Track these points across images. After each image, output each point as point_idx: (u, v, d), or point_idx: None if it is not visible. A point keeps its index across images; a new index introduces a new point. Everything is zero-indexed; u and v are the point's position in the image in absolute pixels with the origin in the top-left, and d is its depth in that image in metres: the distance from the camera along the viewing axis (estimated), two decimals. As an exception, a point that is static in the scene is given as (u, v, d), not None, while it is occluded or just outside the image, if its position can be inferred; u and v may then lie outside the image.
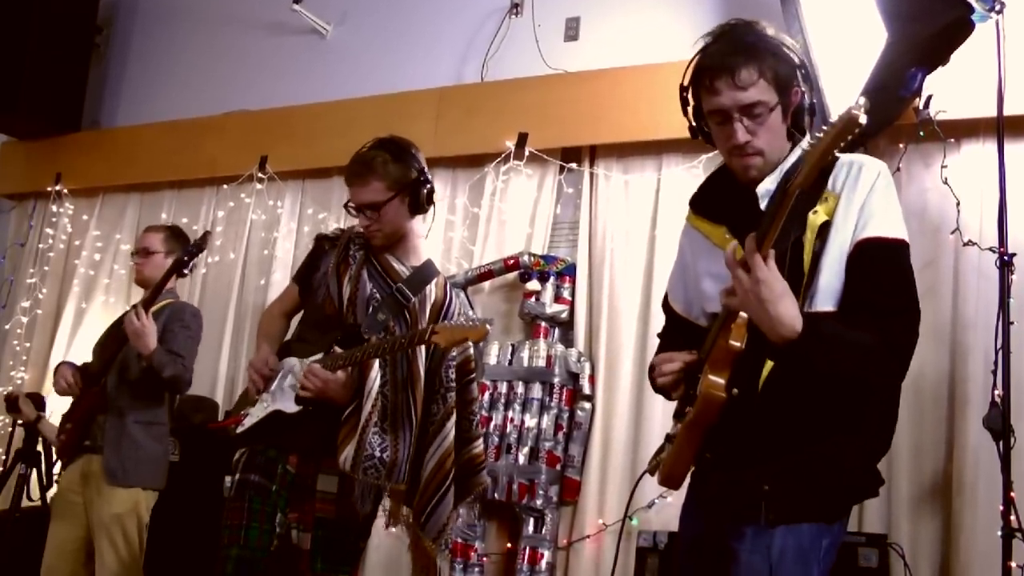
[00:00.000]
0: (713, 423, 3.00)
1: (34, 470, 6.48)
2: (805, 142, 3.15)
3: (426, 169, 4.63)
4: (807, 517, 2.99)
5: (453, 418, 4.53)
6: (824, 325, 2.88)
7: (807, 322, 2.82)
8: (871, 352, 2.90)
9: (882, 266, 2.97)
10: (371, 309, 4.50)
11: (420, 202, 4.58)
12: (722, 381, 2.95)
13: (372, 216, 4.51)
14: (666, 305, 3.62)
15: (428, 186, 4.60)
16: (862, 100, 2.48)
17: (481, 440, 4.73)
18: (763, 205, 3.09)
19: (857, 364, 2.91)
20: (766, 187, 3.13)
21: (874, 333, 2.90)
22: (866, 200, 3.00)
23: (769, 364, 2.98)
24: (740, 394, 2.96)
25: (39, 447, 6.54)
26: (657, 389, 3.40)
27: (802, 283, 2.97)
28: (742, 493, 3.00)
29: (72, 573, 5.83)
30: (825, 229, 2.99)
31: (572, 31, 7.37)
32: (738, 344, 2.94)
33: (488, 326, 4.17)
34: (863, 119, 2.50)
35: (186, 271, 5.90)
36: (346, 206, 4.62)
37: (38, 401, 6.71)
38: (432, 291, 4.61)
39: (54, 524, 5.96)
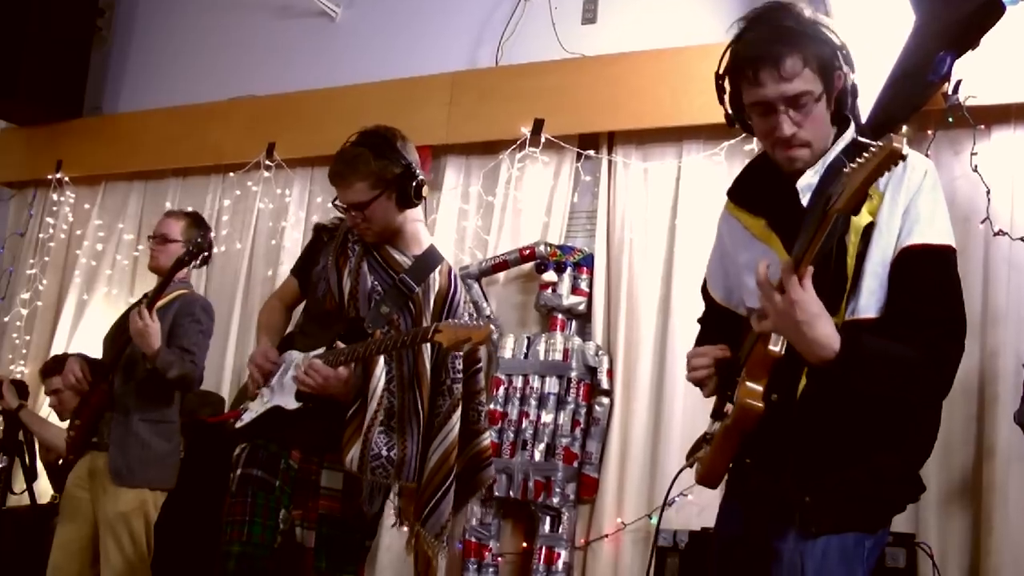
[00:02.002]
0: (750, 431, 3.03)
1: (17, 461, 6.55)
2: (849, 133, 3.18)
3: (413, 163, 4.55)
4: (849, 528, 3.02)
5: (458, 412, 4.55)
6: (864, 342, 2.88)
7: (846, 340, 2.83)
8: (913, 369, 2.90)
9: (927, 274, 2.96)
10: (373, 303, 4.52)
11: (408, 197, 4.53)
12: (760, 389, 2.98)
13: (358, 216, 4.51)
14: (705, 292, 3.64)
15: (417, 180, 4.54)
16: (905, 129, 2.51)
17: (489, 433, 4.76)
18: (804, 201, 3.08)
19: (898, 382, 2.90)
20: (807, 181, 3.12)
21: (917, 346, 2.89)
22: (911, 202, 2.99)
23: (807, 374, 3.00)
24: (780, 400, 2.99)
25: (20, 437, 6.61)
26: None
27: (845, 288, 2.98)
28: (782, 495, 3.03)
29: (79, 572, 5.87)
30: (869, 230, 2.99)
31: (590, 13, 7.37)
32: (777, 350, 2.95)
33: (492, 327, 4.17)
34: (905, 151, 2.51)
35: (196, 262, 5.92)
36: (334, 203, 4.60)
37: (22, 389, 6.74)
38: (436, 280, 4.61)
39: (61, 523, 6.00)
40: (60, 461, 6.98)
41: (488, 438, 4.73)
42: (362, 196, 4.46)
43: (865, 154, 2.56)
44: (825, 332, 2.80)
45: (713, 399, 3.34)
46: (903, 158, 2.51)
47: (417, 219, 4.73)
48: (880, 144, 2.52)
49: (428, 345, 4.47)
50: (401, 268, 4.59)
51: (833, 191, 2.65)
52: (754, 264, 3.01)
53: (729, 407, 3.10)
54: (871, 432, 2.99)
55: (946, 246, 3.00)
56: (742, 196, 3.43)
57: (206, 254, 5.93)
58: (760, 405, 2.96)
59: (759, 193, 3.34)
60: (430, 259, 4.66)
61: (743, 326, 3.25)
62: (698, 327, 3.73)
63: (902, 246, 2.96)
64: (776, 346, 2.94)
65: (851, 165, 2.59)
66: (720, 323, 3.50)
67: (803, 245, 2.75)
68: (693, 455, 3.39)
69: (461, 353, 4.53)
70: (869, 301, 2.97)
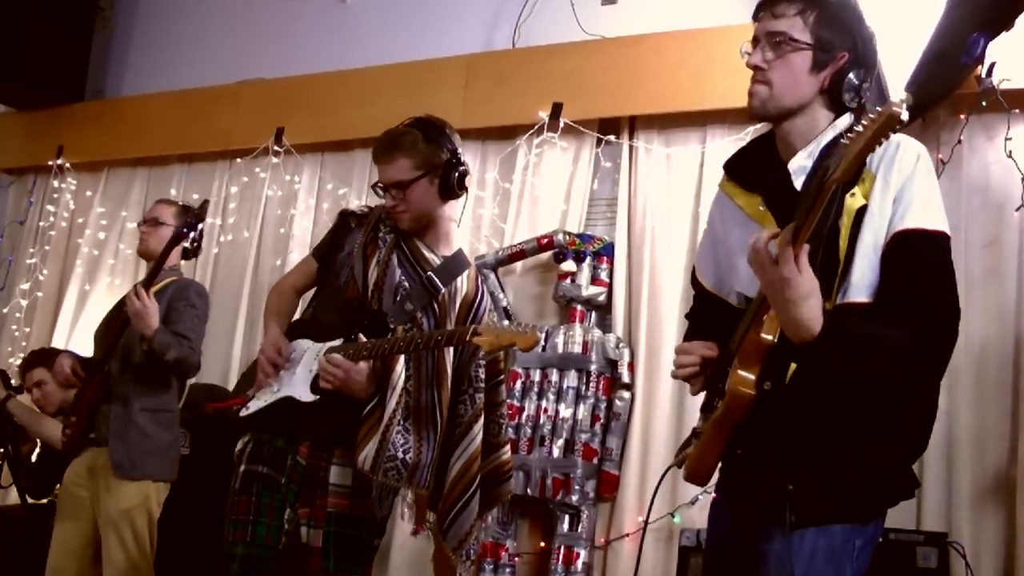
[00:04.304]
0: (741, 420, 3.06)
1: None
2: (845, 120, 3.22)
3: (460, 152, 4.66)
4: (836, 518, 3.05)
5: (480, 422, 4.60)
6: (850, 325, 2.93)
7: (831, 322, 2.86)
8: (900, 353, 2.92)
9: (920, 259, 3.00)
10: (398, 297, 4.55)
11: (451, 186, 4.61)
12: (752, 377, 3.01)
13: (398, 196, 4.55)
14: (695, 280, 3.68)
15: (460, 169, 4.63)
16: (904, 95, 2.54)
17: (508, 447, 4.79)
18: (797, 183, 3.14)
19: (884, 367, 2.93)
20: (799, 163, 3.19)
21: (907, 331, 2.92)
22: (904, 187, 3.04)
23: None
24: (773, 388, 3.02)
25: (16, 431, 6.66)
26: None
27: (837, 271, 3.01)
28: (770, 491, 3.06)
29: (79, 573, 5.88)
30: (861, 213, 3.03)
31: (610, -6, 7.39)
32: (770, 337, 2.98)
33: (539, 334, 4.20)
34: (904, 116, 2.54)
35: (187, 244, 5.94)
36: (374, 186, 4.67)
37: (6, 379, 6.76)
38: (463, 284, 4.68)
39: (59, 522, 6.00)
40: (34, 457, 7.04)
41: (507, 452, 4.77)
42: (404, 175, 4.54)
43: (863, 122, 2.60)
44: (809, 315, 2.82)
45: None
46: (902, 123, 2.55)
47: (452, 219, 4.80)
48: (879, 110, 2.56)
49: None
50: (429, 266, 4.64)
51: (831, 163, 2.70)
52: (746, 244, 3.04)
53: (719, 404, 3.13)
54: (858, 419, 3.03)
55: (940, 231, 3.04)
56: (738, 171, 3.49)
57: (197, 237, 5.96)
58: (751, 392, 3.00)
59: (756, 170, 3.41)
60: (458, 262, 4.73)
61: (734, 318, 3.27)
62: (687, 323, 3.80)
63: (894, 231, 3.00)
64: (769, 334, 2.97)
65: (848, 136, 2.64)
66: (709, 316, 3.54)
67: (800, 218, 2.77)
68: (681, 452, 3.44)
69: (484, 361, 4.60)
70: (860, 285, 3.01)
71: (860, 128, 2.60)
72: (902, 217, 3.01)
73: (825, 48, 3.19)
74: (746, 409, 3.03)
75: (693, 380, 3.38)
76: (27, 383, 6.92)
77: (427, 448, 4.49)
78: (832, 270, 3.00)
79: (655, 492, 3.90)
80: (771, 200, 3.26)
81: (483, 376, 4.64)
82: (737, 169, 3.50)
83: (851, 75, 3.19)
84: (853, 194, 3.03)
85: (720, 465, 3.28)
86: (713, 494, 5.60)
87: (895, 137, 3.05)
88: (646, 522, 4.04)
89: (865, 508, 3.12)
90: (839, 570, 3.04)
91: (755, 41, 3.27)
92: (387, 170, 4.57)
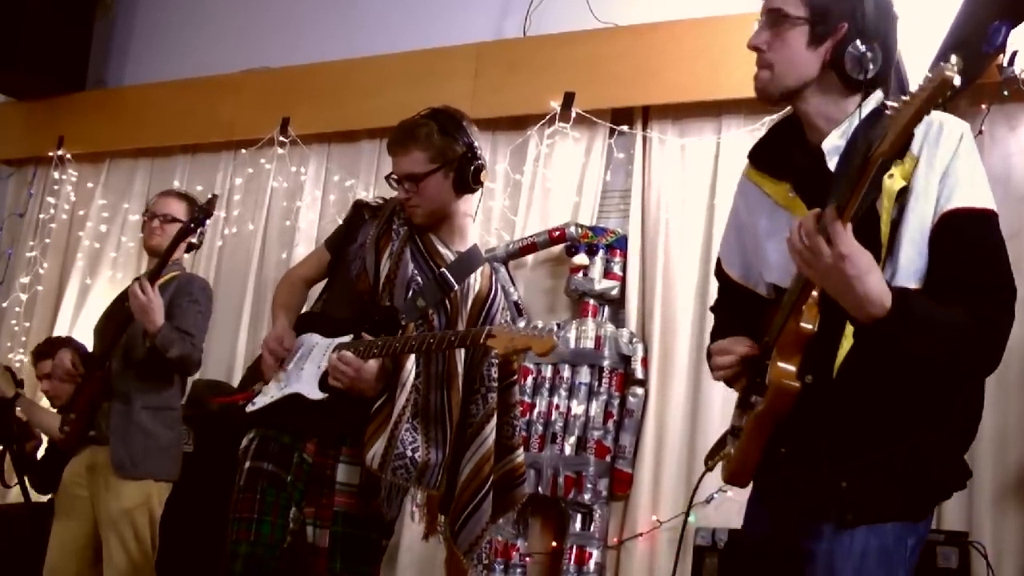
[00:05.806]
0: (785, 414, 3.02)
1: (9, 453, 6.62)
2: (876, 98, 3.16)
3: (476, 145, 4.63)
4: (890, 516, 3.00)
5: (493, 421, 4.58)
6: (915, 302, 2.85)
7: (897, 298, 2.80)
8: (964, 334, 2.87)
9: (971, 239, 2.94)
10: (410, 293, 4.55)
11: (466, 180, 4.59)
12: (793, 369, 2.97)
13: (411, 189, 4.55)
14: (719, 272, 3.63)
15: (477, 163, 4.60)
16: (954, 59, 2.47)
17: (522, 450, 4.78)
18: (831, 164, 3.08)
19: (949, 347, 2.88)
20: (832, 143, 3.12)
21: (965, 313, 2.87)
22: (949, 166, 2.97)
23: (844, 347, 2.98)
24: (815, 382, 2.98)
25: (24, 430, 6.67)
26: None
27: (880, 255, 2.94)
28: (817, 490, 3.02)
29: (78, 573, 5.91)
30: (902, 195, 2.98)
31: (623, -20, 7.38)
32: (810, 327, 2.94)
33: (556, 338, 4.19)
34: (957, 80, 2.46)
35: (194, 239, 5.93)
36: (388, 177, 4.66)
37: (13, 377, 6.77)
38: (476, 281, 4.67)
39: (58, 521, 6.03)
40: (41, 452, 7.05)
41: (521, 455, 4.76)
42: (418, 167, 4.53)
43: (910, 91, 2.53)
44: (877, 288, 2.77)
45: None
46: (954, 88, 2.47)
47: (467, 213, 4.78)
48: (929, 76, 2.48)
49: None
50: (443, 262, 4.63)
51: (874, 136, 2.63)
52: (775, 231, 3.04)
53: (757, 399, 3.09)
54: (913, 409, 2.97)
55: (988, 209, 2.98)
56: (764, 160, 3.43)
57: (202, 232, 5.96)
58: (796, 384, 2.96)
59: (783, 156, 3.34)
60: (473, 258, 4.72)
61: (764, 309, 3.26)
62: (712, 316, 3.74)
63: (943, 211, 2.94)
64: (809, 323, 2.93)
65: (893, 105, 2.57)
66: (736, 308, 3.51)
67: (844, 195, 2.70)
68: (716, 454, 3.41)
69: (496, 360, 4.58)
70: (908, 270, 2.94)
71: (908, 97, 2.53)
72: (949, 197, 2.95)
73: (821, 20, 3.11)
74: (791, 402, 2.98)
75: (735, 381, 3.33)
76: (38, 373, 6.94)
77: (436, 448, 4.49)
78: (873, 254, 2.87)
79: (693, 494, 3.93)
80: (801, 185, 3.20)
81: (496, 375, 4.63)
82: (762, 157, 3.44)
83: (853, 45, 3.09)
84: (891, 175, 2.96)
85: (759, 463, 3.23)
86: (729, 493, 5.69)
87: (937, 116, 2.99)
88: (684, 520, 4.02)
89: (920, 504, 3.08)
90: (890, 571, 2.99)
91: (759, 21, 3.22)
92: (401, 162, 4.57)
